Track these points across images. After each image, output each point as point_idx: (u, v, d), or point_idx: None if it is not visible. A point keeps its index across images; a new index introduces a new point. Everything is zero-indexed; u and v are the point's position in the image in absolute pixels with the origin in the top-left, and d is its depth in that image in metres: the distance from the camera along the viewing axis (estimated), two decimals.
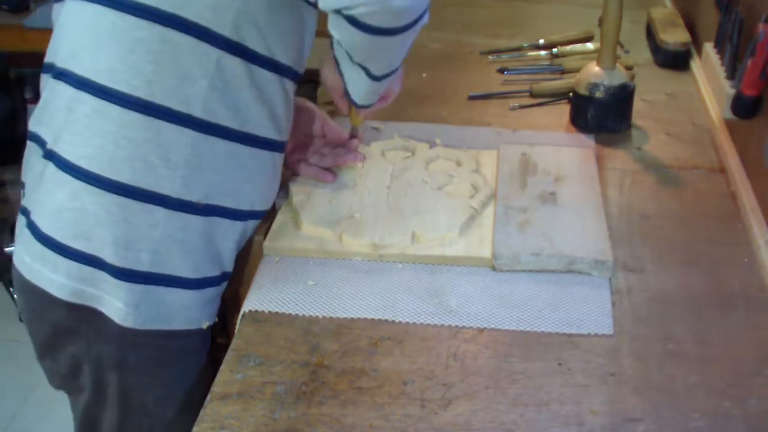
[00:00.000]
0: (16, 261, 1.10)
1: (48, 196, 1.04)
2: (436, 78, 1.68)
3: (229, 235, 1.09)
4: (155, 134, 0.98)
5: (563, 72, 1.67)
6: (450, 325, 1.04)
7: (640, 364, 1.00)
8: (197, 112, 0.99)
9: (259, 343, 1.01)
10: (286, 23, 1.03)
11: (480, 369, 0.98)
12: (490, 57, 1.76)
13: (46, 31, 1.12)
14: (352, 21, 0.94)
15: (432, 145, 1.38)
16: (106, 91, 0.98)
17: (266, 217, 1.20)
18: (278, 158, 1.14)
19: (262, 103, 1.05)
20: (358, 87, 1.13)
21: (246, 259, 1.17)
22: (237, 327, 1.05)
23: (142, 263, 1.02)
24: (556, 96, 1.58)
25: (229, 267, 1.12)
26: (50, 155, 1.04)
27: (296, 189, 1.24)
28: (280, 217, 1.21)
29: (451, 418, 0.92)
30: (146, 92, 0.98)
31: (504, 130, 1.47)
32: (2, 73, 2.91)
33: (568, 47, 1.75)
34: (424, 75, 1.69)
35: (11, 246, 2.67)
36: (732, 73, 1.45)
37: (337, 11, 0.94)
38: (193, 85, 0.98)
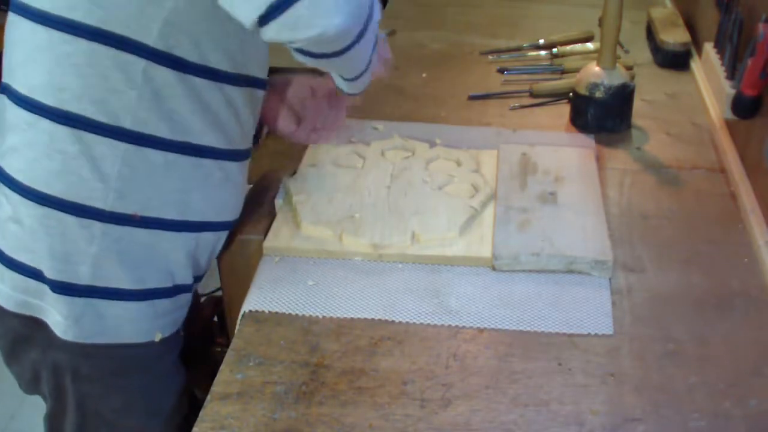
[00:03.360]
0: None
1: None
2: (436, 78, 1.68)
3: (178, 247, 1.06)
4: (86, 147, 0.97)
5: (563, 72, 1.67)
6: (450, 325, 1.04)
7: (640, 364, 1.00)
8: (127, 123, 0.97)
9: (259, 343, 1.01)
10: (225, 31, 1.00)
11: (480, 369, 0.98)
12: (490, 57, 1.76)
13: None
14: (299, 51, 0.94)
15: (432, 145, 1.38)
16: (37, 105, 0.98)
17: (266, 217, 1.20)
18: (232, 167, 1.09)
19: (200, 112, 1.01)
20: (341, 85, 1.13)
21: (246, 260, 1.17)
22: (237, 327, 1.05)
23: (81, 276, 1.01)
24: (556, 96, 1.58)
25: (184, 279, 1.09)
26: None
27: (296, 189, 1.24)
28: (280, 217, 1.21)
29: (451, 418, 0.92)
30: (75, 106, 0.96)
31: (504, 130, 1.47)
32: None
33: (568, 47, 1.75)
34: (424, 75, 1.69)
35: None
36: (732, 73, 1.45)
37: (282, 44, 0.93)
38: (122, 97, 0.96)
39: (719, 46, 1.54)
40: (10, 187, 1.02)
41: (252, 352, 1.00)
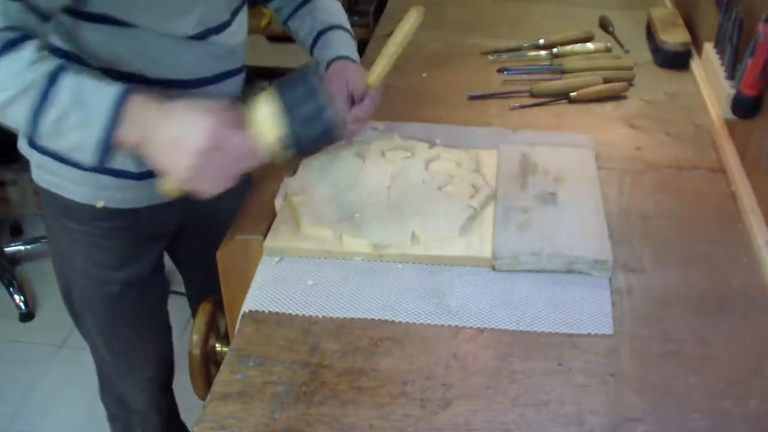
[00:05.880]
0: None
1: None
2: (436, 78, 1.68)
3: None
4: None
5: (563, 72, 1.67)
6: (450, 325, 1.04)
7: (640, 364, 1.00)
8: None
9: (259, 343, 1.01)
10: None
11: (480, 369, 0.98)
12: (490, 57, 1.76)
13: None
14: None
15: (432, 145, 1.38)
16: None
17: (266, 217, 1.20)
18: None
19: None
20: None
21: (246, 260, 1.17)
22: (237, 327, 1.05)
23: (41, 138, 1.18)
24: (556, 96, 1.58)
25: (127, 167, 1.23)
26: None
27: (296, 189, 1.24)
28: (280, 217, 1.21)
29: (451, 418, 0.92)
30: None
31: (504, 130, 1.47)
32: None
33: (568, 47, 1.75)
34: (424, 75, 1.69)
35: (11, 246, 2.69)
36: (732, 73, 1.45)
37: None
38: None
39: (719, 46, 1.54)
40: None
41: (252, 352, 1.00)
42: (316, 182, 1.26)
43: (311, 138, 1.01)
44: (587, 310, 1.07)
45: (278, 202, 1.23)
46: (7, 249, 2.69)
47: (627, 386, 0.96)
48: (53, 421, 2.17)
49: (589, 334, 1.03)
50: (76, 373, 2.23)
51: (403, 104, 1.57)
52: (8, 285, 2.56)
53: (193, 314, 1.61)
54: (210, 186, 1.02)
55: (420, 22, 1.23)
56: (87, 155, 1.00)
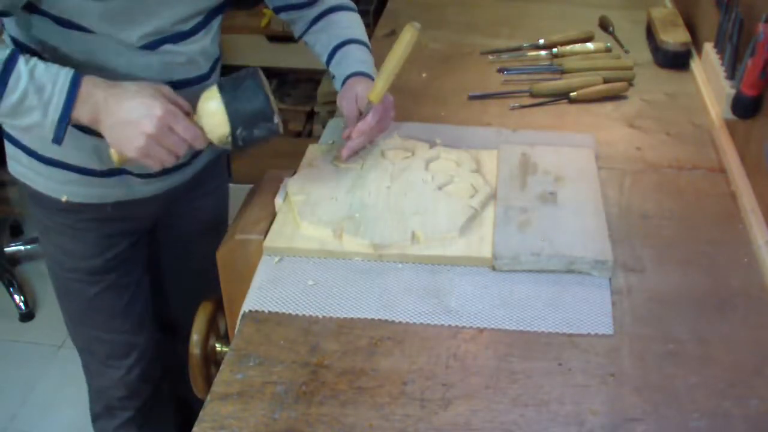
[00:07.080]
0: None
1: None
2: (436, 78, 1.68)
3: (79, 139, 1.21)
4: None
5: (563, 72, 1.67)
6: (450, 325, 1.04)
7: (640, 364, 1.00)
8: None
9: (259, 343, 1.01)
10: None
11: (480, 369, 0.98)
12: (490, 57, 1.76)
13: None
14: None
15: (432, 145, 1.38)
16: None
17: (266, 217, 1.20)
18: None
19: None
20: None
21: (246, 260, 1.17)
22: (237, 327, 1.05)
23: (13, 131, 1.28)
24: (556, 96, 1.58)
25: (92, 165, 1.26)
26: None
27: (296, 189, 1.24)
28: (280, 217, 1.21)
29: (451, 418, 0.92)
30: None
31: (504, 130, 1.47)
32: None
33: (568, 47, 1.75)
34: (424, 75, 1.69)
35: (11, 246, 2.69)
36: (732, 73, 1.45)
37: None
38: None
39: (719, 46, 1.54)
40: None
41: (252, 352, 1.00)
42: (316, 182, 1.26)
43: (251, 138, 1.10)
44: (587, 310, 1.07)
45: (278, 202, 1.23)
46: (7, 249, 2.69)
47: (627, 386, 0.96)
48: (53, 421, 2.17)
49: (589, 334, 1.03)
50: (76, 373, 2.22)
51: (403, 104, 1.56)
52: (8, 285, 2.56)
53: (156, 309, 1.61)
54: (157, 163, 1.11)
55: (416, 40, 1.23)
56: (46, 132, 1.07)
